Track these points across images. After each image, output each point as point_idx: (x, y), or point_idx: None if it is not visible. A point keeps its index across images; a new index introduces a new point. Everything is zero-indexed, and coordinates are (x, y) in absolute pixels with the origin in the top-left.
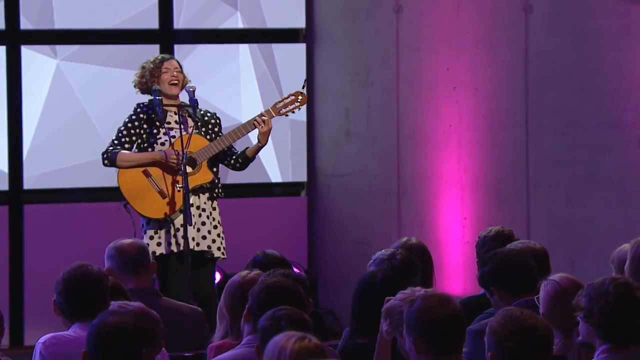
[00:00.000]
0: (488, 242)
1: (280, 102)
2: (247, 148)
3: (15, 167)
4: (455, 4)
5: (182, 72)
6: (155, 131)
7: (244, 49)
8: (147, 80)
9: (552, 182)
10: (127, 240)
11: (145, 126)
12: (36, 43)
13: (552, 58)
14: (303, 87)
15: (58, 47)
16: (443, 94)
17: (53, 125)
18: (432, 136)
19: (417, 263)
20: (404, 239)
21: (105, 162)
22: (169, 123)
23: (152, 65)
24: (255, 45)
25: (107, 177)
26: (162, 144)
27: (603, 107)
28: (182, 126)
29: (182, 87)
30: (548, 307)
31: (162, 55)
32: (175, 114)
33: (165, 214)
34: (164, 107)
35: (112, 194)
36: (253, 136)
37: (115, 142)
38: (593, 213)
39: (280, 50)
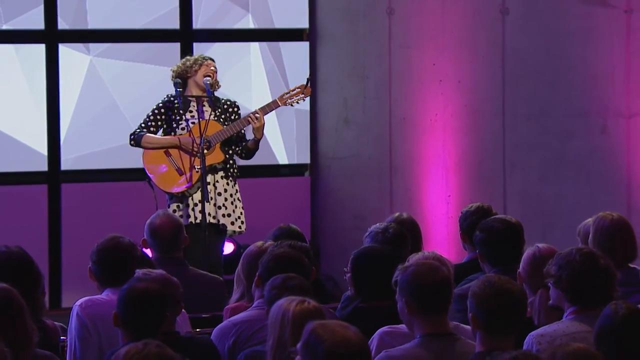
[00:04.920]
0: (469, 217)
1: (287, 93)
2: (248, 141)
3: (54, 151)
4: (440, 7)
5: (216, 73)
6: (177, 118)
7: (254, 46)
8: (183, 71)
9: (526, 163)
10: (164, 220)
11: (169, 113)
12: (72, 41)
13: (526, 54)
14: (307, 83)
15: (91, 44)
16: (430, 86)
17: (87, 114)
18: (420, 123)
19: (408, 236)
20: (397, 214)
21: (132, 142)
22: (191, 111)
23: (193, 59)
24: (264, 44)
25: (135, 159)
26: (183, 128)
27: (571, 98)
28: (200, 114)
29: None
30: (525, 267)
31: (206, 55)
32: (198, 103)
33: (186, 187)
34: (188, 98)
35: (139, 174)
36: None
37: (143, 125)
38: (562, 191)
39: (287, 48)
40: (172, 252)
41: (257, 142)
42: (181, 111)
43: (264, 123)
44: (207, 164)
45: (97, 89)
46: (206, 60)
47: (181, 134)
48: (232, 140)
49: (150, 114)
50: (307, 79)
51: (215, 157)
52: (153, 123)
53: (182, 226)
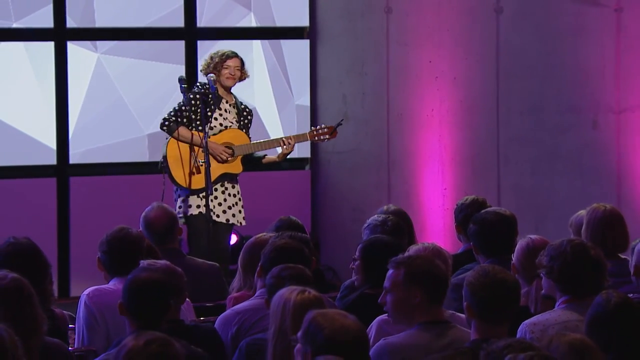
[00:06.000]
0: (465, 209)
1: (316, 130)
2: (265, 156)
3: (62, 145)
4: (436, 5)
5: (240, 69)
6: (209, 113)
7: (256, 44)
8: (211, 70)
9: (519, 157)
10: (158, 213)
11: (203, 106)
12: (80, 39)
13: (519, 52)
14: (338, 126)
15: (99, 42)
16: (426, 82)
17: (94, 109)
18: (417, 118)
19: (405, 227)
20: (385, 207)
21: (164, 128)
22: (220, 109)
23: (217, 59)
24: (266, 41)
25: (141, 153)
26: (211, 128)
27: (563, 94)
28: (224, 113)
29: (239, 80)
30: (519, 258)
31: (229, 52)
32: (226, 102)
33: (191, 186)
34: (219, 95)
35: (145, 168)
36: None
37: (178, 113)
38: (554, 184)
39: (288, 45)
40: (168, 243)
41: (274, 162)
42: (212, 106)
43: (292, 151)
44: (226, 170)
45: (105, 86)
46: (229, 58)
47: (211, 133)
48: (249, 155)
49: (186, 101)
50: (338, 123)
51: (234, 167)
52: (186, 113)
53: (176, 218)
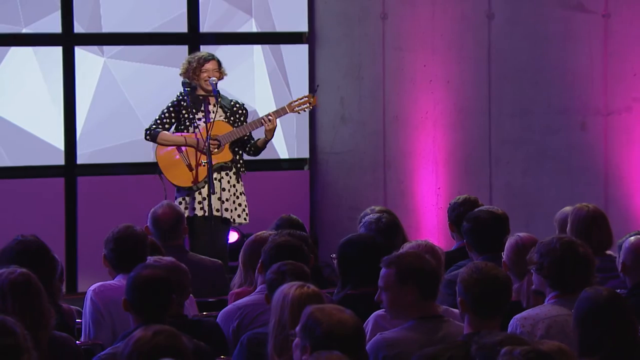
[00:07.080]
0: (457, 208)
1: (295, 101)
2: (258, 139)
3: (70, 146)
4: (430, 12)
5: (218, 70)
6: (190, 117)
7: (257, 49)
8: (191, 75)
9: (510, 158)
10: (166, 210)
11: (183, 111)
12: (87, 44)
13: (510, 56)
14: (315, 91)
15: (105, 47)
16: (421, 86)
17: (101, 112)
18: (412, 120)
19: (401, 224)
20: (368, 209)
21: (147, 137)
22: (203, 111)
23: (195, 64)
24: (266, 46)
25: (146, 154)
26: (196, 127)
27: (552, 96)
28: (207, 114)
29: (218, 80)
30: (509, 256)
31: (205, 55)
32: (209, 104)
33: (192, 182)
34: (199, 97)
35: (150, 168)
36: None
37: (158, 121)
38: (543, 184)
39: (287, 50)
40: (172, 240)
41: (266, 142)
42: (193, 110)
43: (276, 126)
44: (217, 161)
45: (111, 89)
46: (207, 62)
47: (192, 133)
48: (241, 140)
49: (166, 110)
50: (316, 87)
51: (224, 156)
52: (167, 120)
53: (182, 216)
